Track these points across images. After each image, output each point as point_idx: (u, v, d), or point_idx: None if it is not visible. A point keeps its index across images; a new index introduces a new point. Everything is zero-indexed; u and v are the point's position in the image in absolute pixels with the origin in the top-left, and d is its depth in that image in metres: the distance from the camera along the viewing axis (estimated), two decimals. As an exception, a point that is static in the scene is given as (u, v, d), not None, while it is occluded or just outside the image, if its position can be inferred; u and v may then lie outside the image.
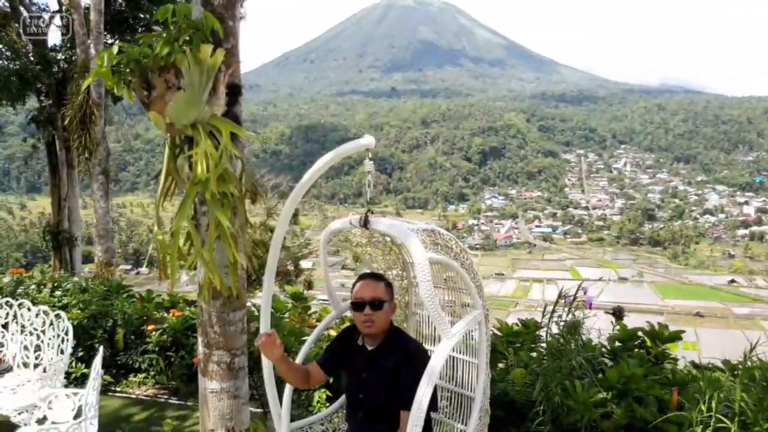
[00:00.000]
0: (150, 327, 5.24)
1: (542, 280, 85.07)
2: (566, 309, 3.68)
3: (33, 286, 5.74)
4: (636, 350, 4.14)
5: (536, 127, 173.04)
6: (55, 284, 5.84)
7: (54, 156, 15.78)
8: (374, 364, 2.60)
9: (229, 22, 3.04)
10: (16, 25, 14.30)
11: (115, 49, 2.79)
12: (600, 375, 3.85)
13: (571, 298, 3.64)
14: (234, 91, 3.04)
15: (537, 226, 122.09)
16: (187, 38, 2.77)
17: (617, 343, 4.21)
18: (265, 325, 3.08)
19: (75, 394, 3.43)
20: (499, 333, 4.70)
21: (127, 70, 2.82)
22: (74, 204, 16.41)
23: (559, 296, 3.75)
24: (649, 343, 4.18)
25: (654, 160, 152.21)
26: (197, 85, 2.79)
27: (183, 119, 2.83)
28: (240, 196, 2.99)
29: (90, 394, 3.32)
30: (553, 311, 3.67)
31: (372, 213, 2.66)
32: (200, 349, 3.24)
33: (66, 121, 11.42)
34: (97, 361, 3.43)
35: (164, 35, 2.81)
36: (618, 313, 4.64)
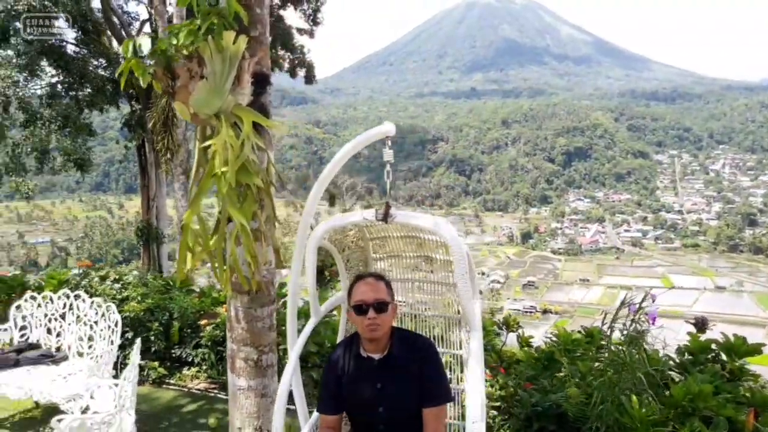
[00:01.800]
0: (203, 321, 5.32)
1: (631, 288, 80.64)
2: (631, 318, 3.33)
3: (96, 279, 6.00)
4: (710, 365, 3.68)
5: (625, 126, 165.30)
6: (117, 277, 6.07)
7: (143, 157, 16.67)
8: (387, 371, 2.39)
9: (256, 10, 2.96)
10: (110, 33, 15.17)
11: (140, 40, 2.78)
12: (666, 391, 3.47)
13: (636, 306, 3.28)
14: (261, 81, 2.96)
15: (626, 231, 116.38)
16: (210, 26, 2.71)
17: (687, 356, 3.77)
18: (292, 325, 2.94)
19: (116, 384, 3.48)
20: (556, 340, 4.38)
21: (152, 61, 2.80)
22: (161, 203, 17.28)
23: (623, 304, 3.40)
24: (725, 357, 3.72)
25: (756, 161, 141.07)
26: (219, 73, 2.73)
27: (206, 109, 2.77)
28: (266, 189, 2.90)
29: (126, 385, 3.35)
30: (613, 319, 3.33)
31: (390, 206, 2.47)
32: (228, 345, 3.19)
33: (151, 124, 12.00)
34: (134, 354, 3.46)
35: (189, 24, 2.77)
36: (701, 324, 4.18)
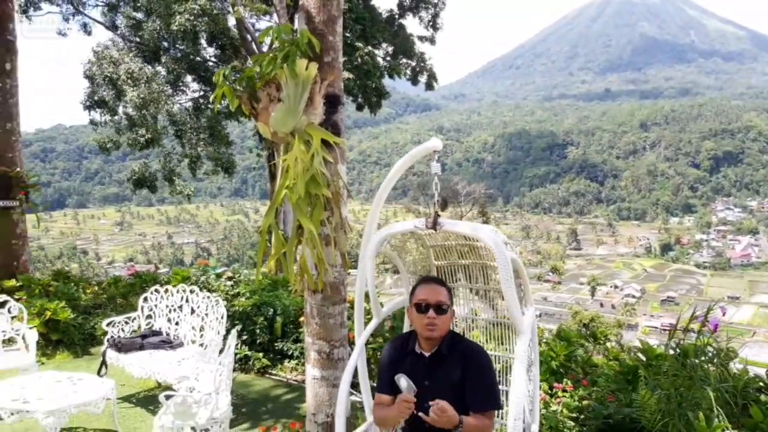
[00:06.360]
0: (303, 318, 5.76)
1: (789, 307, 72.28)
2: (697, 331, 3.22)
3: (213, 276, 6.73)
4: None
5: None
6: (232, 275, 6.76)
7: (273, 165, 18.04)
8: (436, 369, 2.52)
9: (329, 38, 3.29)
10: (244, 51, 16.60)
11: (228, 69, 3.21)
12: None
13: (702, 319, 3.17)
14: (332, 101, 3.28)
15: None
16: (287, 54, 3.07)
17: (779, 378, 3.53)
18: (359, 322, 3.18)
19: (217, 370, 3.97)
20: (642, 356, 4.26)
21: (239, 88, 3.22)
22: (288, 208, 18.54)
23: (692, 318, 3.29)
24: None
25: None
26: (293, 96, 3.09)
27: (283, 128, 3.15)
28: (335, 198, 3.21)
29: (222, 369, 3.82)
30: (672, 333, 3.23)
31: (439, 215, 2.64)
32: (305, 338, 3.53)
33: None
34: (231, 340, 3.91)
35: (270, 54, 3.16)
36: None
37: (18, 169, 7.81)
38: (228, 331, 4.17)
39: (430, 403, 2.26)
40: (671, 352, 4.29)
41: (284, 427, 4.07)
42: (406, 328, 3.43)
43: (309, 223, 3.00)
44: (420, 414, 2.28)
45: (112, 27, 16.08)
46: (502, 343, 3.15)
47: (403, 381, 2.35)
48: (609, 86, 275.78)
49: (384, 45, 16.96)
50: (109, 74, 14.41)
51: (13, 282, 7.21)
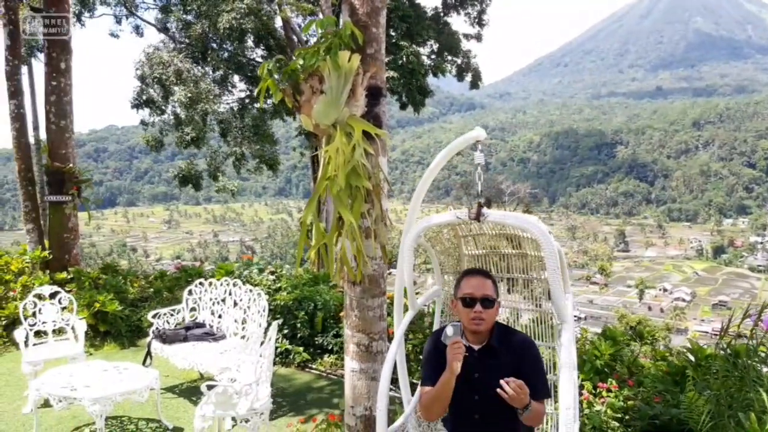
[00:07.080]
0: (343, 313, 5.77)
1: None
2: (751, 330, 3.07)
3: (255, 271, 6.82)
4: None
5: None
6: (274, 270, 6.84)
7: (317, 164, 18.19)
8: (486, 362, 2.49)
9: (372, 29, 3.26)
10: (290, 51, 16.78)
11: (272, 62, 3.22)
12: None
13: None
14: (375, 93, 3.25)
15: None
16: (329, 46, 3.06)
17: None
18: (398, 316, 3.16)
19: (258, 362, 4.01)
20: (690, 357, 4.09)
21: (283, 81, 3.24)
22: (331, 207, 18.71)
23: (744, 317, 3.13)
24: None
25: None
26: (336, 88, 3.08)
27: (325, 120, 3.14)
28: (375, 191, 3.18)
29: (262, 361, 3.86)
30: (723, 332, 3.08)
31: (482, 206, 2.58)
32: (345, 330, 3.52)
33: (320, 133, 13.11)
34: (272, 331, 3.94)
35: (313, 48, 3.16)
36: None
37: (71, 165, 8.09)
38: (269, 324, 4.21)
39: (503, 381, 2.25)
40: (721, 352, 4.11)
41: (323, 419, 4.08)
42: (436, 325, 3.39)
43: (349, 215, 2.99)
44: (498, 390, 2.26)
45: (164, 29, 16.54)
46: (538, 338, 3.10)
47: (449, 328, 2.37)
48: (660, 84, 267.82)
49: (429, 43, 16.87)
50: (158, 75, 14.84)
51: (64, 274, 7.48)
